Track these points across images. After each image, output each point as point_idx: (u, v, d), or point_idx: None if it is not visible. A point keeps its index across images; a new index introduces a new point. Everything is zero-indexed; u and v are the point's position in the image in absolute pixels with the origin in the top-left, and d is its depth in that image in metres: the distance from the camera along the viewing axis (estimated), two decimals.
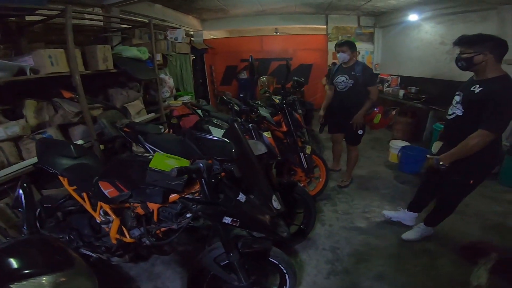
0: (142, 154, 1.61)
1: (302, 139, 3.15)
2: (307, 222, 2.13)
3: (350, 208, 2.77)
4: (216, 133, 1.88)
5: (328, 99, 3.19)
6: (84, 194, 1.51)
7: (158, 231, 1.34)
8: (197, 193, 1.20)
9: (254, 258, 1.33)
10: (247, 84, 6.78)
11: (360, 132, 2.97)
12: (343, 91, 2.91)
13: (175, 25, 5.19)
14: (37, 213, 1.69)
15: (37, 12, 2.42)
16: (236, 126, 1.34)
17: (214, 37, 7.46)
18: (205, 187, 1.10)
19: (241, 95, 2.25)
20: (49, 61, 2.28)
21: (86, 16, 3.18)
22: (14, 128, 2.09)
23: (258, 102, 2.70)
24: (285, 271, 1.45)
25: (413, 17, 5.13)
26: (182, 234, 1.28)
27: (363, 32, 6.85)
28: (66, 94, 2.62)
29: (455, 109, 1.88)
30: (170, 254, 2.01)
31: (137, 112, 3.48)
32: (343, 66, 2.90)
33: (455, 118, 1.87)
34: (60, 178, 1.60)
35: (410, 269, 1.94)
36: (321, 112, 3.21)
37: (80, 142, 2.60)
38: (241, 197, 1.13)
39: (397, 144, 3.69)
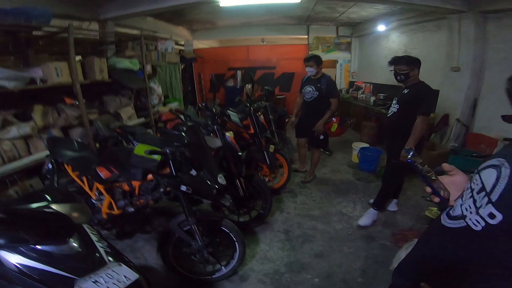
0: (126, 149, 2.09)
1: (271, 140, 3.65)
2: (265, 208, 2.57)
3: (307, 199, 3.22)
4: None
5: (297, 106, 3.63)
6: (84, 178, 1.96)
7: (138, 203, 1.79)
8: (166, 174, 1.67)
9: (208, 225, 1.78)
10: (233, 91, 7.26)
11: (321, 137, 3.39)
12: (309, 101, 3.33)
13: (165, 36, 5.66)
14: None
15: (44, 29, 2.83)
16: (196, 127, 1.83)
17: (205, 46, 7.94)
18: (171, 165, 1.58)
19: (203, 103, 2.71)
20: (55, 72, 2.72)
21: (84, 30, 3.65)
22: (25, 128, 2.54)
23: (231, 108, 3.15)
24: (234, 239, 1.86)
25: (381, 27, 5.66)
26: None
27: (341, 42, 7.38)
28: (68, 101, 3.07)
29: (393, 108, 2.51)
30: (151, 233, 2.48)
31: (129, 116, 3.93)
32: (312, 77, 3.30)
33: (392, 115, 2.49)
34: (66, 166, 2.05)
35: (345, 250, 2.33)
36: (293, 118, 3.65)
37: (78, 140, 3.05)
38: (193, 172, 1.59)
39: (358, 146, 4.18)
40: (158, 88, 4.49)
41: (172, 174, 1.60)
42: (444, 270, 0.77)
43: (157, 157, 1.61)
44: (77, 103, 3.01)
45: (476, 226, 0.63)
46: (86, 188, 1.95)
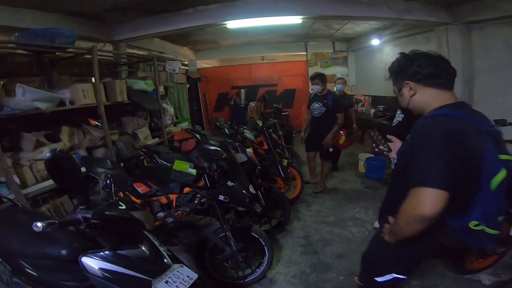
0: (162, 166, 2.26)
1: (282, 155, 3.83)
2: (284, 216, 2.73)
3: (321, 207, 3.38)
4: None
5: (306, 122, 3.85)
6: (121, 193, 2.10)
7: (176, 214, 1.93)
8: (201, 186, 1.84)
9: (240, 231, 1.93)
10: (237, 110, 7.48)
11: (330, 150, 3.57)
12: (317, 116, 3.55)
13: (172, 56, 5.92)
14: None
15: (69, 50, 3.01)
16: (226, 143, 2.04)
17: (208, 66, 8.25)
18: (206, 178, 1.74)
19: (228, 122, 2.91)
20: (82, 94, 2.89)
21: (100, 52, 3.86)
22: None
23: (244, 127, 3.36)
24: (263, 244, 2.00)
25: (375, 41, 5.97)
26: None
27: (338, 57, 7.74)
28: (92, 122, 3.23)
29: (398, 118, 2.70)
30: (178, 245, 2.59)
31: (145, 137, 4.10)
32: (318, 94, 3.54)
33: (397, 124, 2.68)
34: None
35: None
36: (302, 134, 3.85)
37: None
38: (229, 183, 1.78)
39: (364, 157, 4.38)
40: (170, 109, 4.70)
41: (206, 186, 1.78)
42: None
43: (193, 171, 1.77)
44: (100, 124, 3.18)
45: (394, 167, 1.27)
46: None
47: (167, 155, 2.75)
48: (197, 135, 3.42)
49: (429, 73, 1.05)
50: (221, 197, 1.76)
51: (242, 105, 7.54)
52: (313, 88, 3.53)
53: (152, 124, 4.51)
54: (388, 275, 1.22)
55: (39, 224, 0.88)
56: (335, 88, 4.42)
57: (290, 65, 8.00)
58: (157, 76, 4.23)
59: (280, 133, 4.25)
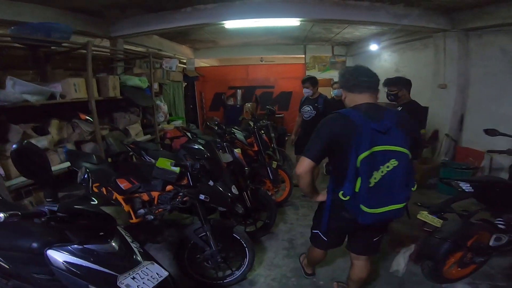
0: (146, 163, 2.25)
1: (273, 157, 3.82)
2: (270, 218, 2.72)
3: (309, 211, 3.35)
4: None
5: (297, 125, 3.86)
6: (103, 189, 2.10)
7: (157, 211, 1.93)
8: (184, 185, 1.84)
9: (221, 231, 1.93)
10: (233, 110, 7.46)
11: None
12: (308, 119, 3.55)
13: (170, 54, 5.93)
14: None
15: (64, 44, 3.02)
16: (211, 143, 2.04)
17: (206, 65, 8.26)
18: (189, 177, 1.74)
19: (216, 122, 2.91)
20: (74, 88, 2.89)
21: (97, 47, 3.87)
22: (43, 141, 2.67)
23: (236, 127, 3.36)
24: (245, 245, 1.99)
25: (374, 46, 5.97)
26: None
27: (337, 61, 7.74)
28: (82, 116, 3.20)
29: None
30: (161, 243, 2.58)
31: (136, 133, 4.09)
32: (310, 97, 3.54)
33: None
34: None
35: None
36: (292, 136, 3.87)
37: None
38: (211, 183, 1.77)
39: None
40: (164, 106, 4.69)
41: (189, 184, 1.77)
42: None
43: (176, 169, 1.76)
44: (91, 119, 3.17)
45: None
46: None
47: (155, 152, 2.74)
48: (188, 134, 3.42)
49: (352, 84, 1.46)
50: (202, 196, 1.76)
51: (238, 106, 7.53)
52: (304, 92, 3.55)
53: (145, 121, 4.51)
54: (316, 230, 1.71)
55: (1, 214, 0.88)
56: (332, 93, 4.40)
57: (287, 68, 8.01)
58: (152, 73, 4.24)
59: (272, 135, 4.23)
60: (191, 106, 7.30)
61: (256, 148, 3.19)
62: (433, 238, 1.91)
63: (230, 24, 4.11)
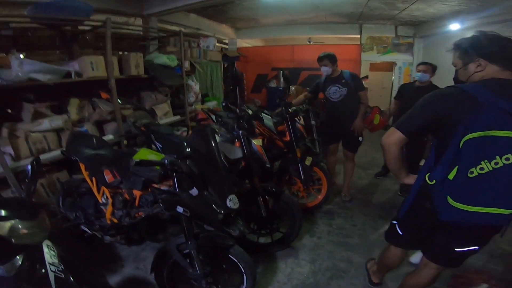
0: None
1: (310, 150, 3.25)
2: (291, 231, 2.20)
3: (346, 223, 2.74)
4: None
5: (298, 100, 3.40)
6: (94, 178, 1.83)
7: (137, 214, 1.57)
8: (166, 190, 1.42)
9: (212, 251, 1.50)
10: (276, 92, 6.95)
11: (360, 139, 3.01)
12: (338, 100, 2.96)
13: (208, 33, 5.60)
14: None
15: (85, 22, 2.86)
16: (207, 131, 1.54)
17: (249, 45, 7.79)
18: (174, 178, 1.32)
19: (223, 104, 2.40)
20: (90, 66, 2.71)
21: (123, 25, 3.69)
22: (57, 121, 2.55)
23: (265, 111, 2.84)
24: (243, 271, 1.55)
25: (454, 26, 4.85)
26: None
27: (401, 42, 6.61)
28: (104, 95, 3.06)
29: None
30: (162, 242, 2.27)
31: (164, 113, 3.87)
32: (331, 77, 2.97)
33: None
34: (80, 164, 1.96)
35: None
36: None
37: (111, 136, 3.02)
38: (194, 192, 1.30)
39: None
40: (195, 86, 4.39)
41: (174, 189, 1.35)
42: None
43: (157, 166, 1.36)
44: (119, 100, 3.01)
45: None
46: (94, 190, 1.81)
47: (165, 137, 2.40)
48: (213, 116, 3.04)
49: (504, 56, 1.11)
50: (180, 209, 1.34)
51: (281, 88, 6.94)
52: (322, 71, 2.98)
53: (176, 100, 4.28)
54: (394, 221, 1.51)
55: None
56: (415, 76, 3.59)
57: (339, 49, 7.00)
58: (183, 51, 3.92)
59: (313, 122, 3.62)
60: (231, 87, 6.97)
61: (287, 138, 2.66)
62: None
63: None
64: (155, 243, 2.21)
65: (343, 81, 2.90)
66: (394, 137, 1.20)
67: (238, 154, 1.89)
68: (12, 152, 2.27)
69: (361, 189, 3.56)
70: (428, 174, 1.16)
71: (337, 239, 2.48)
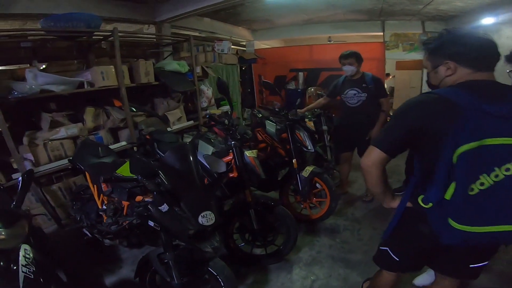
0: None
1: (321, 156, 3.15)
2: (285, 244, 2.15)
3: (351, 237, 2.58)
4: (204, 149, 2.12)
5: (317, 104, 3.24)
6: (95, 186, 1.94)
7: (124, 223, 1.63)
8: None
9: (190, 262, 1.52)
10: (294, 94, 6.82)
11: None
12: (356, 106, 2.78)
13: (224, 36, 5.64)
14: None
15: (95, 33, 2.98)
16: (185, 148, 1.56)
17: (267, 47, 7.73)
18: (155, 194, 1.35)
19: (207, 116, 2.37)
20: (101, 76, 2.86)
21: (139, 33, 3.84)
22: (73, 129, 2.74)
23: (271, 117, 2.79)
24: (222, 284, 1.55)
25: (488, 20, 4.48)
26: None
27: None
28: (117, 103, 3.24)
29: None
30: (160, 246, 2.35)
31: (177, 119, 3.99)
32: (351, 78, 2.76)
33: None
34: (86, 172, 2.10)
35: None
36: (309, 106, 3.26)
37: (123, 143, 3.18)
38: (163, 208, 1.32)
39: None
40: (208, 91, 4.47)
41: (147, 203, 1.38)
42: None
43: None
44: (133, 108, 3.18)
45: None
46: (95, 197, 1.94)
47: (168, 146, 2.48)
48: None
49: (473, 57, 1.03)
50: (151, 223, 1.38)
51: (299, 90, 6.81)
52: (345, 70, 2.76)
53: (191, 106, 4.39)
54: (384, 247, 1.37)
55: None
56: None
57: (361, 47, 6.64)
58: (193, 57, 4.01)
59: (325, 127, 3.50)
60: (249, 90, 6.97)
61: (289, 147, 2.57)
62: None
63: None
64: (155, 247, 2.31)
65: (363, 85, 2.71)
66: (373, 156, 1.09)
67: (222, 168, 1.88)
68: (32, 159, 2.49)
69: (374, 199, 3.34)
70: (421, 197, 1.05)
71: (338, 254, 2.35)
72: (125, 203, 1.61)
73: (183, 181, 1.41)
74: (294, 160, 2.48)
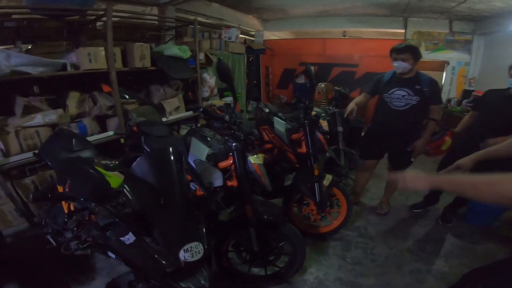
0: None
1: (334, 162, 2.77)
2: (289, 268, 1.84)
3: (364, 256, 2.26)
4: (196, 151, 1.74)
5: (359, 102, 2.62)
6: (61, 187, 1.58)
7: (87, 239, 1.28)
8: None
9: None
10: (303, 89, 6.40)
11: (412, 159, 2.47)
12: (402, 109, 2.34)
13: (232, 24, 5.23)
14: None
15: (89, 12, 2.65)
16: (166, 154, 1.16)
17: (277, 38, 7.30)
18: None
19: (200, 108, 1.98)
20: (88, 58, 2.52)
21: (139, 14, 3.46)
22: (51, 116, 2.39)
23: (279, 113, 2.39)
24: None
25: None
26: None
27: (457, 39, 5.70)
28: (106, 88, 2.87)
29: None
30: None
31: (175, 108, 3.62)
32: (401, 77, 2.33)
33: None
34: (54, 170, 1.75)
35: None
36: (352, 105, 2.58)
37: (111, 133, 2.83)
38: (128, 238, 0.95)
39: None
40: (210, 80, 4.09)
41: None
42: None
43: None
44: (126, 95, 2.87)
45: None
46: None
47: (156, 141, 2.12)
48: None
49: None
50: (112, 255, 1.03)
51: (309, 85, 6.38)
52: (396, 66, 2.30)
53: (191, 95, 4.02)
54: None
55: None
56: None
57: (378, 44, 6.26)
58: (197, 42, 3.63)
59: (340, 129, 3.11)
60: (255, 81, 6.56)
61: (303, 150, 2.18)
62: None
63: None
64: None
65: (417, 86, 2.27)
66: None
67: (217, 182, 1.50)
68: (3, 147, 2.16)
69: (392, 213, 2.91)
70: None
71: (348, 278, 2.03)
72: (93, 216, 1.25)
73: (159, 200, 1.03)
74: (315, 165, 2.10)
